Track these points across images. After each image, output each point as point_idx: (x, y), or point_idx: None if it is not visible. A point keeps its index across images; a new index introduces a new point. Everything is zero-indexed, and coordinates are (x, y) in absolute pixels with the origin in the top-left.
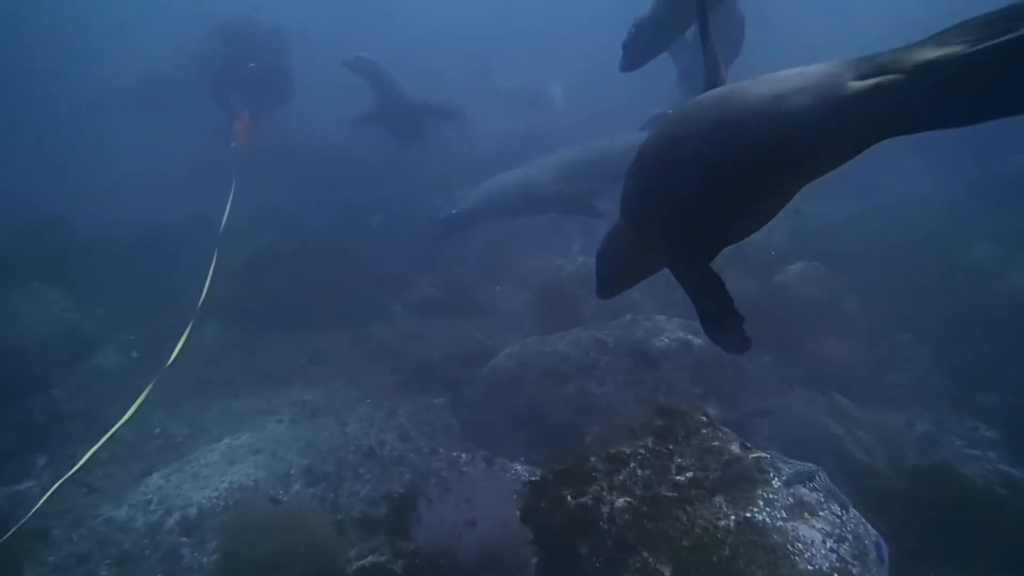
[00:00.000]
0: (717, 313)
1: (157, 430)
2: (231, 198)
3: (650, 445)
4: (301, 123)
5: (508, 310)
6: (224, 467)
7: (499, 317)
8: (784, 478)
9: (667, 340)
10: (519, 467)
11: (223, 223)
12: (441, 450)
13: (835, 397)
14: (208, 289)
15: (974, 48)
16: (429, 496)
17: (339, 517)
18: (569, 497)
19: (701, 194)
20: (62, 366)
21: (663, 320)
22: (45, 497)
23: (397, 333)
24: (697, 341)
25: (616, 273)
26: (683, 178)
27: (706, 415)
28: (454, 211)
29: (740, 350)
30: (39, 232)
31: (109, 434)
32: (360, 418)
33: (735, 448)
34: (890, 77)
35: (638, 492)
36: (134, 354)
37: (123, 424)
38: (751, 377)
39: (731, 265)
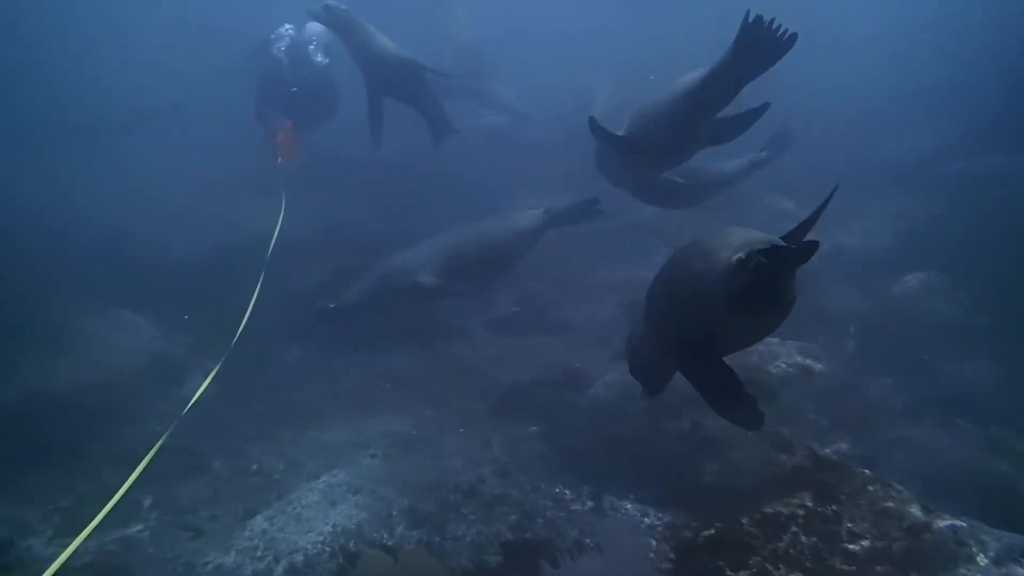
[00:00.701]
0: (727, 400)
1: (254, 466)
2: (281, 219)
3: (809, 505)
4: (350, 130)
5: (593, 326)
6: (326, 508)
7: (584, 335)
8: (992, 553)
9: (784, 366)
10: (630, 506)
11: (271, 246)
12: (543, 486)
13: (992, 427)
14: (249, 316)
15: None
16: (541, 539)
17: (450, 565)
18: (728, 570)
19: (684, 321)
20: (155, 397)
21: (776, 343)
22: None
23: (479, 354)
24: (818, 366)
25: (648, 372)
26: (674, 307)
27: (868, 469)
28: (332, 305)
29: (755, 425)
30: (113, 253)
31: (127, 485)
32: (454, 450)
33: (916, 511)
34: (739, 256)
35: (808, 564)
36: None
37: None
38: (878, 404)
39: (833, 279)
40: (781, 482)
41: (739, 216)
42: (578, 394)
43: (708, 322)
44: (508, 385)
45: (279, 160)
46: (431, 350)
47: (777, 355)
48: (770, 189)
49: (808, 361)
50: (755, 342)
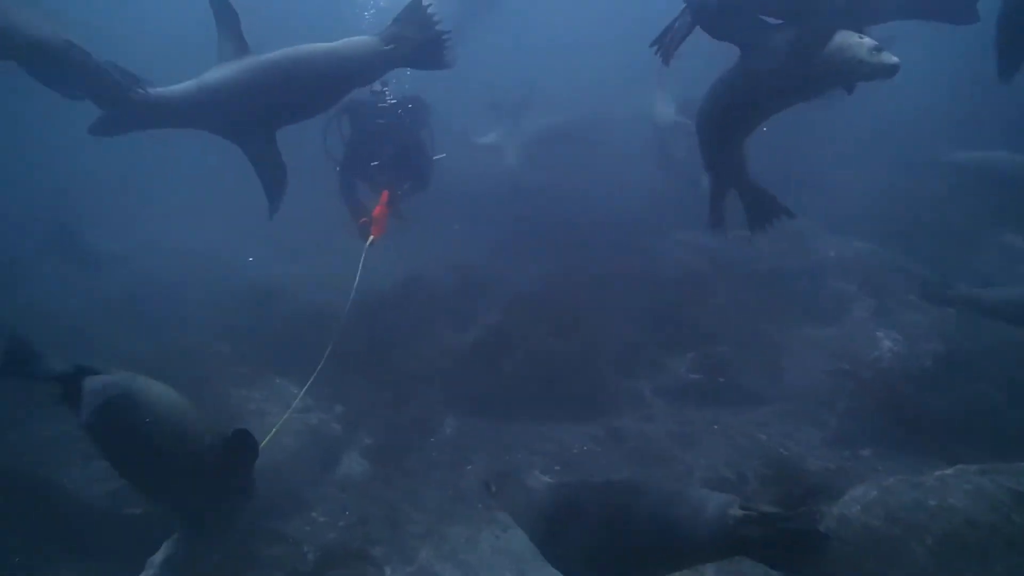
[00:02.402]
0: None
1: None
2: (353, 293)
3: None
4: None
5: (794, 399)
6: None
7: (785, 410)
8: None
9: None
10: None
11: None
12: None
13: None
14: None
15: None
16: None
17: None
18: None
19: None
20: (314, 481)
21: None
22: None
23: (658, 429)
24: None
25: None
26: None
27: None
28: None
29: None
30: (257, 307)
31: None
32: None
33: None
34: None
35: None
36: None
37: None
38: None
39: None
40: None
41: (966, 255)
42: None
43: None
44: (706, 477)
45: (369, 243)
46: (603, 423)
47: None
48: (1000, 223)
49: None
50: None
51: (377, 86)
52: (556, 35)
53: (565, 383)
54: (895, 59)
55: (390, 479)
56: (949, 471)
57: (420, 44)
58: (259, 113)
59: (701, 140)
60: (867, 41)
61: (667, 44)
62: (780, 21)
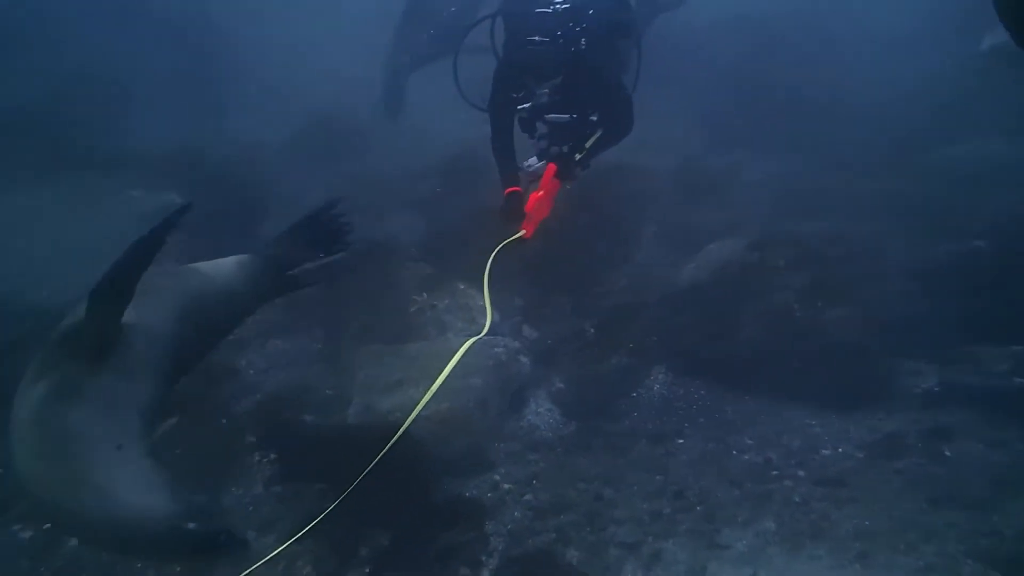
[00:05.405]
0: None
1: None
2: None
3: None
4: None
5: None
6: None
7: None
8: None
9: None
10: None
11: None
12: None
13: None
14: None
15: None
16: None
17: None
18: None
19: None
20: (498, 430)
21: None
22: None
23: (957, 450)
24: None
25: None
26: None
27: None
28: None
29: None
30: (448, 176)
31: None
32: None
33: None
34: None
35: None
36: None
37: None
38: None
39: None
40: None
41: None
42: None
43: None
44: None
45: (520, 238)
46: (870, 422)
47: None
48: None
49: None
50: None
51: None
52: None
53: (821, 356)
54: None
55: (586, 443)
56: None
57: None
58: None
59: None
60: None
61: None
62: None
